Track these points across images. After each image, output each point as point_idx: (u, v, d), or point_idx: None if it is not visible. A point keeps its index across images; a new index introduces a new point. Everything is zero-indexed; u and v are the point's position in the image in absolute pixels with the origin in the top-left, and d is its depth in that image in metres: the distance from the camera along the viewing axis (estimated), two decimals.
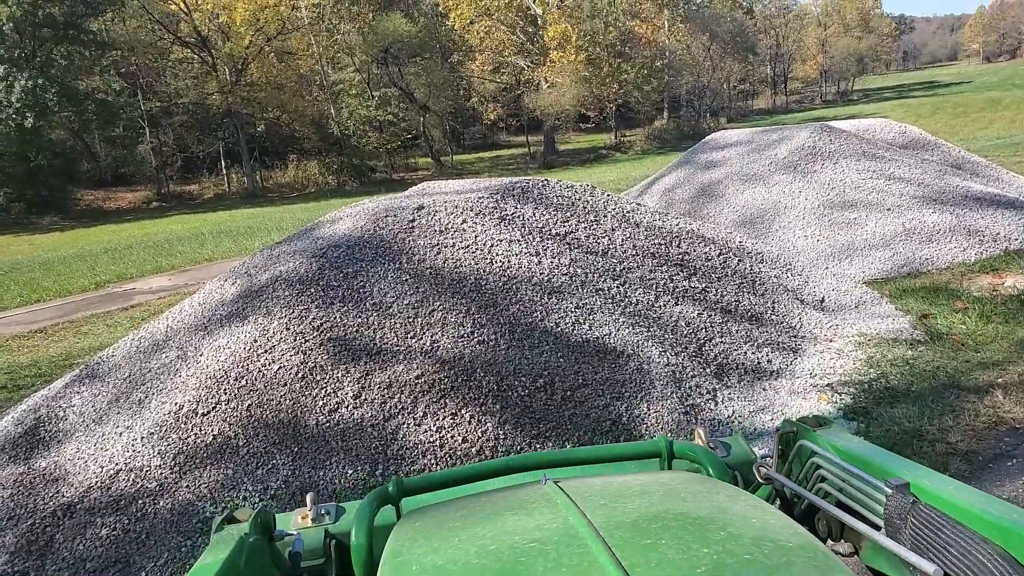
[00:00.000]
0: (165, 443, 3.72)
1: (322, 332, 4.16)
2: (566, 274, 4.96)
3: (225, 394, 3.90)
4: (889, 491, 1.14)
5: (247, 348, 4.10)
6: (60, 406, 4.33)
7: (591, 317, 4.65)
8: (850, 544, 1.28)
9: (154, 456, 3.67)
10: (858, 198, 7.73)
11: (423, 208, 5.14)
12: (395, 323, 4.28)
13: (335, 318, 4.25)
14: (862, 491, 1.24)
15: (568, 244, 5.32)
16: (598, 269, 5.16)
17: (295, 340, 4.12)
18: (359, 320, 4.26)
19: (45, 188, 30.19)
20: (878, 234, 7.27)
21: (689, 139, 38.52)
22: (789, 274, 6.39)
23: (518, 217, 5.40)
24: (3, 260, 18.98)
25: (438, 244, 4.86)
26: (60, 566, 3.30)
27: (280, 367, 4.00)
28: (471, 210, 5.24)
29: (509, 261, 4.88)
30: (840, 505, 1.30)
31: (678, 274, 5.51)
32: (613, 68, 36.28)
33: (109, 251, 17.75)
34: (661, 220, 6.23)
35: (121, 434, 3.90)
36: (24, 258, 18.94)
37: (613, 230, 5.72)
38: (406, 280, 4.55)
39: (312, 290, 4.41)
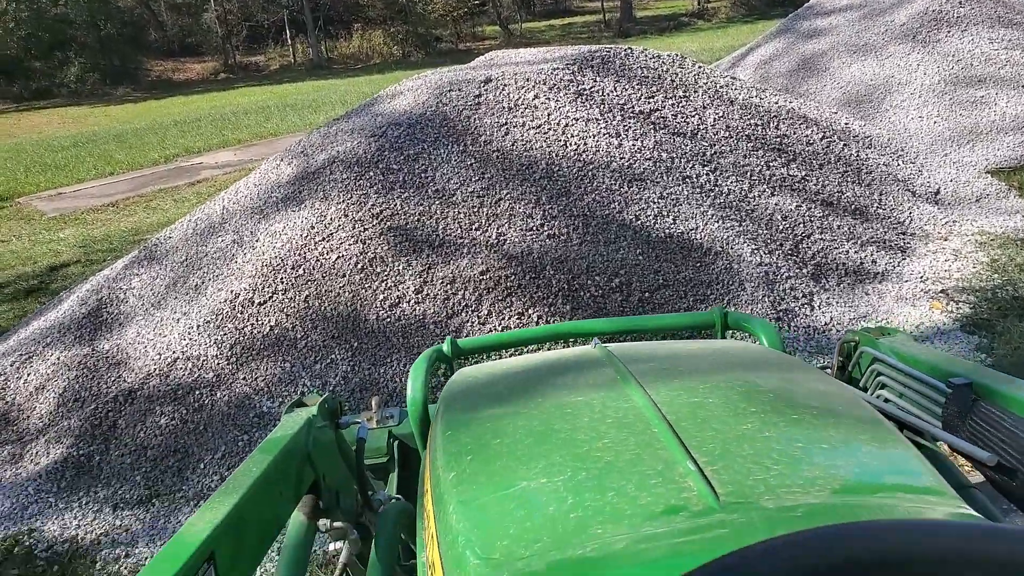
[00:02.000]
0: (221, 332, 3.57)
1: (382, 220, 3.85)
2: (649, 159, 4.45)
3: (282, 283, 3.68)
4: (949, 391, 1.11)
5: (304, 235, 3.84)
6: (120, 288, 4.23)
7: (676, 209, 4.18)
8: None
9: (210, 346, 3.53)
10: (988, 73, 6.73)
11: (490, 81, 4.63)
12: (459, 212, 3.92)
13: (395, 205, 3.92)
14: (923, 393, 1.21)
15: (653, 124, 4.76)
16: (686, 153, 4.61)
17: (353, 228, 3.82)
18: (420, 208, 3.92)
19: (117, 58, 30.27)
20: (1009, 115, 6.35)
21: (779, 6, 35.26)
22: (900, 161, 5.67)
23: (597, 92, 4.83)
24: (82, 132, 19.33)
25: (506, 123, 4.39)
26: (123, 451, 3.25)
27: (339, 256, 3.74)
28: (544, 84, 4.71)
29: (585, 143, 4.39)
30: (901, 411, 1.26)
31: (775, 160, 4.91)
32: None
33: (178, 123, 17.78)
34: (759, 97, 5.54)
35: (179, 320, 3.77)
36: (100, 130, 19.22)
37: (704, 108, 5.10)
38: (471, 164, 4.14)
39: (371, 173, 4.06)
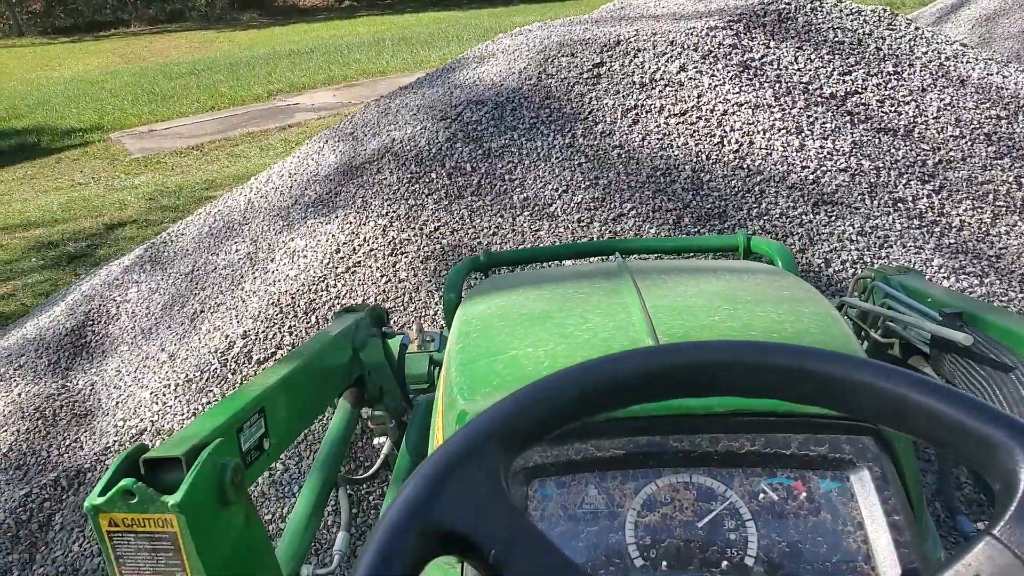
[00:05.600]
0: (204, 399, 2.53)
1: (437, 241, 2.66)
2: (845, 169, 3.00)
3: (290, 333, 2.59)
4: (940, 318, 1.17)
5: (324, 262, 2.72)
6: (115, 299, 3.29)
7: (884, 253, 2.75)
8: None
9: (187, 417, 2.51)
10: None
11: (619, 44, 3.26)
12: (555, 233, 2.67)
13: (460, 218, 2.71)
14: (922, 324, 1.25)
15: (850, 115, 3.27)
16: (898, 162, 3.12)
17: (391, 254, 2.66)
18: (497, 222, 2.69)
19: None
20: None
21: None
22: None
23: (770, 65, 3.36)
24: (200, 58, 19.19)
25: (636, 107, 3.04)
26: (48, 569, 2.32)
27: (365, 299, 2.60)
28: (695, 50, 3.29)
29: (751, 142, 2.99)
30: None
31: None
32: None
33: (292, 54, 17.17)
34: (1000, 74, 3.86)
35: (162, 364, 2.78)
36: (220, 56, 18.97)
37: (923, 91, 3.53)
38: (580, 164, 2.85)
39: (433, 175, 2.85)
